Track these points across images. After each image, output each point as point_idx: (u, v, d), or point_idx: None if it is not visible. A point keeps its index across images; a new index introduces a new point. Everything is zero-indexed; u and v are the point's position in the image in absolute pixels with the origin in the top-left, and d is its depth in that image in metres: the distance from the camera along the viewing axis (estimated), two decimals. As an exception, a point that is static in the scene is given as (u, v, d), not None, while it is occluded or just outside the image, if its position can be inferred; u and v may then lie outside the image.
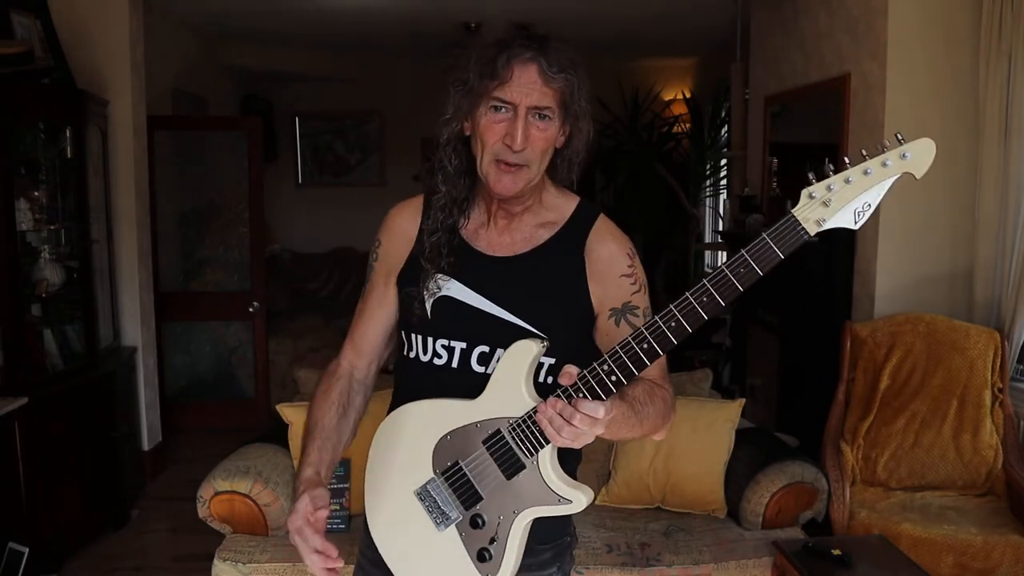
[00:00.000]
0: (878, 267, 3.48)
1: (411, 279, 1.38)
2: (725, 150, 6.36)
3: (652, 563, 2.54)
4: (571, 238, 1.37)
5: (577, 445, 1.18)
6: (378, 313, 1.46)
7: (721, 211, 6.32)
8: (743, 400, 2.97)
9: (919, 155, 1.09)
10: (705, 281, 1.13)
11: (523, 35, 1.29)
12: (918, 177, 1.10)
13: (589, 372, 1.16)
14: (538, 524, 1.39)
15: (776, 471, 2.74)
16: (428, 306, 1.36)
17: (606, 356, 1.16)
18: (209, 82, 6.11)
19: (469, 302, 1.33)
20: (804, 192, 1.11)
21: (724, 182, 6.76)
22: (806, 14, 4.15)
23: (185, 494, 3.20)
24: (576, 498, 1.23)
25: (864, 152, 1.11)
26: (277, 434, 2.88)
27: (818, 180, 1.11)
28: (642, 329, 1.15)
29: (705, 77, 7.20)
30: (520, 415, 1.21)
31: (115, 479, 3.69)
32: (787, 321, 4.13)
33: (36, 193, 3.33)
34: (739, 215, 4.77)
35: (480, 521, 1.26)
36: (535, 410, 1.19)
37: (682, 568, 2.54)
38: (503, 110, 1.28)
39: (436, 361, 1.35)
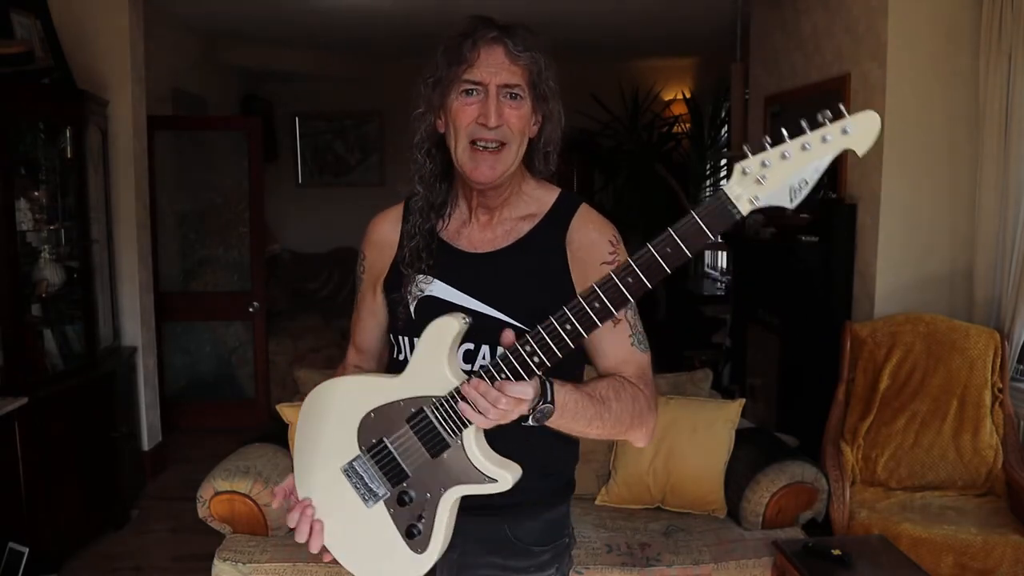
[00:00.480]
0: (878, 267, 3.48)
1: (395, 285, 1.39)
2: (725, 150, 6.36)
3: (652, 563, 2.54)
4: (552, 228, 1.36)
5: (502, 422, 1.16)
6: (371, 322, 1.48)
7: (721, 211, 6.29)
8: (743, 400, 2.97)
9: (861, 130, 1.01)
10: (630, 261, 1.08)
11: (486, 22, 1.30)
12: (860, 154, 1.03)
13: (510, 351, 1.14)
14: (538, 526, 1.39)
15: (776, 471, 2.74)
16: (412, 308, 1.36)
17: (527, 336, 1.13)
18: (209, 82, 6.11)
19: (452, 300, 1.33)
20: (737, 167, 1.04)
21: (724, 182, 6.76)
22: (806, 14, 4.15)
23: (185, 494, 3.20)
24: (502, 477, 1.20)
25: (804, 123, 1.03)
26: (277, 434, 2.88)
27: (754, 154, 1.04)
28: (564, 309, 1.12)
29: (705, 77, 7.20)
30: (443, 394, 1.19)
31: (115, 479, 3.69)
32: (787, 321, 4.13)
33: (36, 193, 3.33)
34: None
35: (407, 498, 1.25)
36: (457, 391, 1.17)
37: (682, 568, 2.54)
38: (474, 92, 1.28)
39: None
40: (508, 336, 1.16)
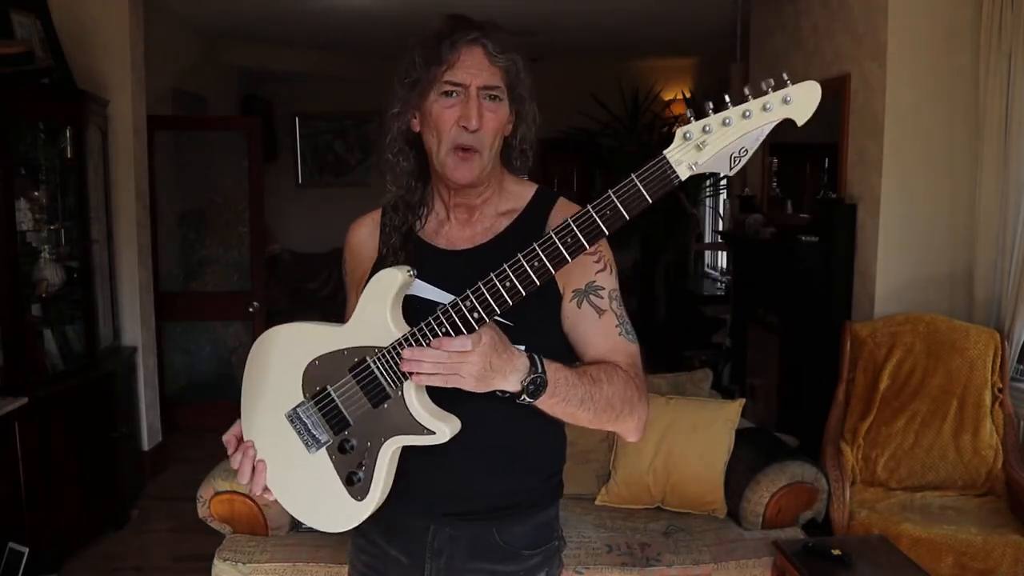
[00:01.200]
0: (878, 267, 3.48)
1: None
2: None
3: (652, 563, 2.54)
4: (530, 222, 1.35)
5: (448, 385, 1.14)
6: None
7: (721, 211, 6.32)
8: (743, 400, 2.97)
9: (802, 99, 1.03)
10: (569, 221, 1.09)
11: (462, 22, 1.30)
12: (799, 124, 1.04)
13: (450, 305, 1.14)
14: (526, 530, 1.38)
15: (776, 471, 2.74)
16: None
17: (468, 291, 1.13)
18: (209, 82, 6.11)
19: (431, 298, 1.31)
20: (678, 131, 1.05)
21: (724, 182, 6.76)
22: (806, 14, 4.15)
23: (185, 494, 3.20)
24: (440, 429, 1.19)
25: (747, 90, 1.04)
26: (277, 434, 2.87)
27: (697, 118, 1.04)
28: (504, 266, 1.12)
29: (705, 77, 7.20)
30: (386, 345, 1.19)
31: (115, 479, 3.69)
32: (787, 321, 4.13)
33: (36, 193, 3.33)
34: (739, 215, 4.77)
35: (348, 446, 1.25)
36: (399, 343, 1.17)
37: (682, 568, 2.54)
38: (454, 94, 1.28)
39: None
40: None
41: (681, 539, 2.67)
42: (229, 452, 1.38)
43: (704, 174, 1.06)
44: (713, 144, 1.04)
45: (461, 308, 1.13)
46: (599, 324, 1.31)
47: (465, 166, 1.29)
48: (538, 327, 1.29)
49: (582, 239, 1.09)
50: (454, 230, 1.38)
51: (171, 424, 4.75)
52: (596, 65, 6.91)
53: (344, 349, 1.23)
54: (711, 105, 1.04)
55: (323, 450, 1.27)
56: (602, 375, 1.25)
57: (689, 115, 1.05)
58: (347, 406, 1.24)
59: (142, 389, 4.26)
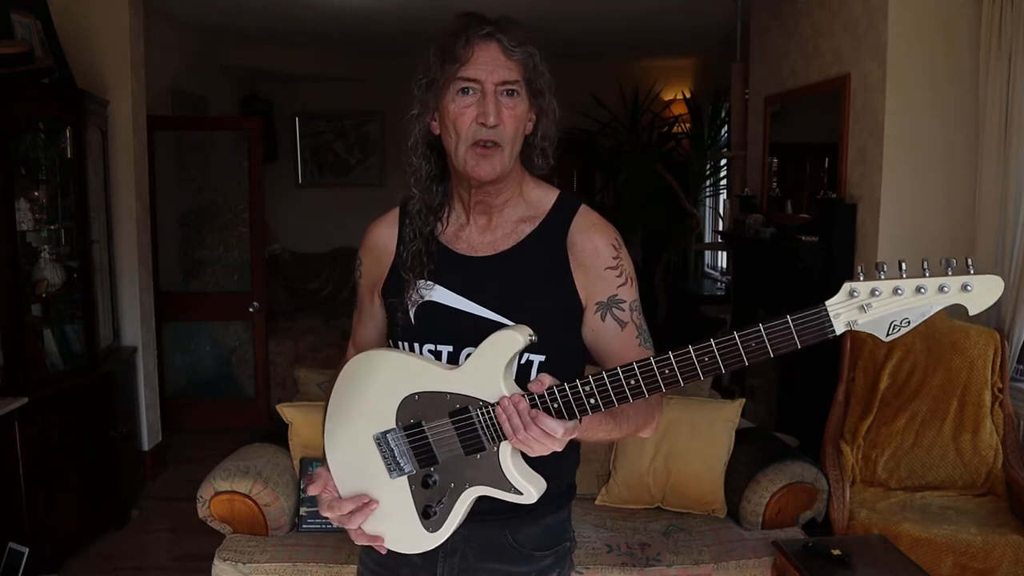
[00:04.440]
0: (878, 267, 3.48)
1: (393, 291, 1.39)
2: (725, 150, 6.36)
3: (652, 563, 2.54)
4: (552, 230, 1.34)
5: (533, 454, 1.18)
6: (370, 324, 1.48)
7: (721, 211, 6.31)
8: (743, 400, 2.97)
9: (982, 291, 1.01)
10: (712, 342, 1.08)
11: (477, 19, 1.28)
12: (971, 314, 1.02)
13: (570, 387, 1.15)
14: (539, 531, 1.39)
15: (776, 471, 2.74)
16: (412, 313, 1.35)
17: (591, 377, 1.14)
18: (209, 82, 6.11)
19: (453, 305, 1.32)
20: (845, 287, 1.02)
21: (724, 182, 6.76)
22: (806, 14, 4.15)
23: (185, 494, 3.20)
24: (528, 492, 1.23)
25: (925, 264, 1.01)
26: (277, 434, 2.88)
27: (866, 278, 1.03)
28: (634, 365, 1.12)
29: (705, 77, 7.20)
30: (493, 401, 1.20)
31: (115, 479, 3.69)
32: (787, 321, 4.12)
33: (36, 193, 3.33)
34: (739, 215, 4.77)
35: (431, 482, 1.27)
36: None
37: (682, 568, 2.54)
38: (471, 91, 1.27)
39: None
40: (542, 381, 1.16)
41: (681, 539, 2.67)
42: (309, 489, 1.36)
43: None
44: (878, 309, 1.02)
45: (580, 392, 1.14)
46: (621, 336, 1.32)
47: (487, 162, 1.28)
48: (561, 341, 1.32)
49: (720, 362, 1.08)
50: (474, 235, 1.37)
51: (171, 424, 4.74)
52: (596, 65, 6.91)
53: (448, 393, 1.24)
54: (884, 267, 1.02)
55: (404, 478, 1.29)
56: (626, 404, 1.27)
57: (859, 271, 1.03)
58: (439, 446, 1.26)
59: (142, 389, 4.26)
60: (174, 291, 5.10)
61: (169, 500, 4.02)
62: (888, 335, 1.03)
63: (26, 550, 2.99)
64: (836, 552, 2.43)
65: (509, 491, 1.23)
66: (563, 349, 1.31)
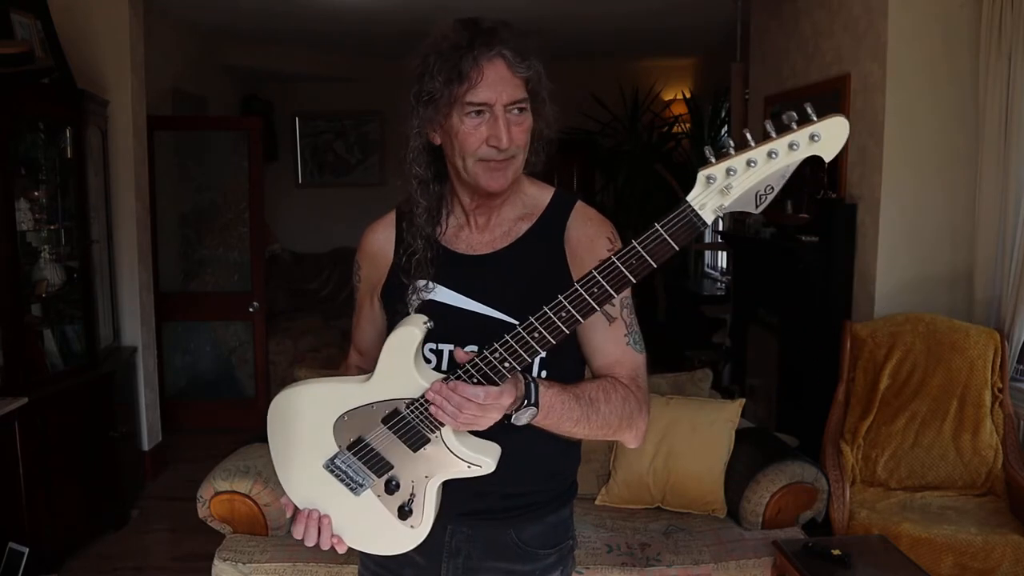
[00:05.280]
0: (878, 267, 3.48)
1: (393, 294, 1.39)
2: (724, 150, 6.36)
3: (652, 563, 2.54)
4: (549, 226, 1.35)
5: (481, 427, 1.18)
6: (370, 328, 1.49)
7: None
8: (743, 400, 2.97)
9: (830, 136, 0.99)
10: (595, 272, 1.09)
11: (478, 32, 1.25)
12: (827, 160, 1.01)
13: (480, 358, 1.15)
14: (542, 529, 1.40)
15: (776, 471, 2.74)
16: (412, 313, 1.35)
17: (496, 344, 1.14)
18: (209, 82, 6.11)
19: (455, 304, 1.33)
20: (701, 175, 1.03)
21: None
22: (806, 14, 4.15)
23: (185, 494, 3.20)
24: (485, 462, 1.23)
25: (769, 127, 1.00)
26: (277, 434, 2.87)
27: (718, 160, 1.02)
28: (531, 318, 1.13)
29: (705, 77, 7.20)
30: (417, 396, 1.21)
31: (115, 479, 3.69)
32: (787, 321, 4.13)
33: (36, 193, 3.33)
34: (739, 215, 4.77)
35: (394, 485, 1.29)
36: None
37: (682, 568, 2.54)
38: (479, 113, 1.25)
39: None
40: (460, 355, 1.17)
41: (681, 539, 2.67)
42: (288, 514, 1.40)
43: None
44: (738, 186, 1.02)
45: (491, 359, 1.15)
46: (608, 331, 1.32)
47: (500, 175, 1.28)
48: None
49: (608, 289, 1.09)
50: (473, 234, 1.37)
51: (171, 424, 4.75)
52: (596, 65, 6.91)
53: (372, 403, 1.25)
54: (732, 143, 1.01)
55: (369, 491, 1.31)
56: (600, 395, 1.27)
57: (708, 153, 1.03)
58: (387, 452, 1.27)
59: (142, 389, 4.26)
60: (174, 291, 5.10)
61: (169, 500, 4.02)
62: (758, 207, 1.03)
63: (26, 550, 2.99)
64: (836, 552, 2.43)
65: (468, 468, 1.24)
66: (564, 343, 1.31)
